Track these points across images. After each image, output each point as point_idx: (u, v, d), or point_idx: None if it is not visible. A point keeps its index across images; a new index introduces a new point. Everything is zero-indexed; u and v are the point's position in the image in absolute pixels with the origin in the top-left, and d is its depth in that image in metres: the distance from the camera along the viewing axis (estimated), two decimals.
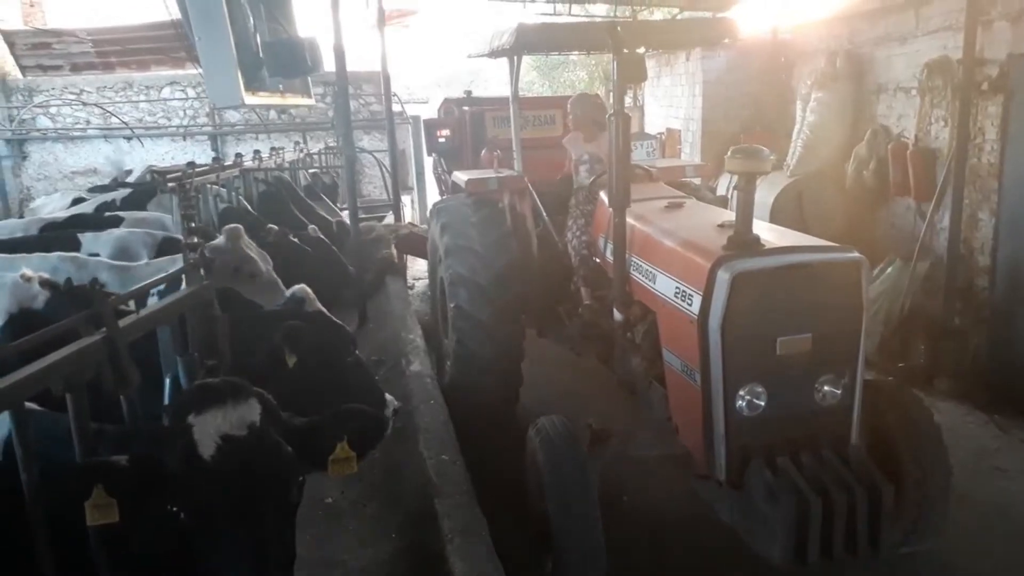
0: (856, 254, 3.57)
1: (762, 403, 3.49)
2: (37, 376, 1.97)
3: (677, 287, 3.83)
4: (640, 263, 4.35)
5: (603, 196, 5.32)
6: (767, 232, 3.78)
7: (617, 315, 4.58)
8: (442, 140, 9.02)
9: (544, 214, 6.13)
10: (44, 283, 3.15)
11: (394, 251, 9.55)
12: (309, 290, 3.53)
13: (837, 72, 8.67)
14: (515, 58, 5.88)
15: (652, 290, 4.15)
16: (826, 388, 3.53)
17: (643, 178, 5.71)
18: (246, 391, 2.02)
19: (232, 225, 4.37)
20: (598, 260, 5.40)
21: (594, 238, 5.46)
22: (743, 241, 3.58)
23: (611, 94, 5.24)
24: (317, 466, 2.15)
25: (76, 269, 4.27)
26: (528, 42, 5.43)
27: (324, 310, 3.51)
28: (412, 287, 9.80)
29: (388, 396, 3.63)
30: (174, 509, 1.87)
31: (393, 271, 9.18)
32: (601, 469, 3.81)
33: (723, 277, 3.41)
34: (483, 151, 7.66)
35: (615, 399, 5.21)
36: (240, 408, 1.97)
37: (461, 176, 6.40)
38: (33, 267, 3.99)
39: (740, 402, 3.48)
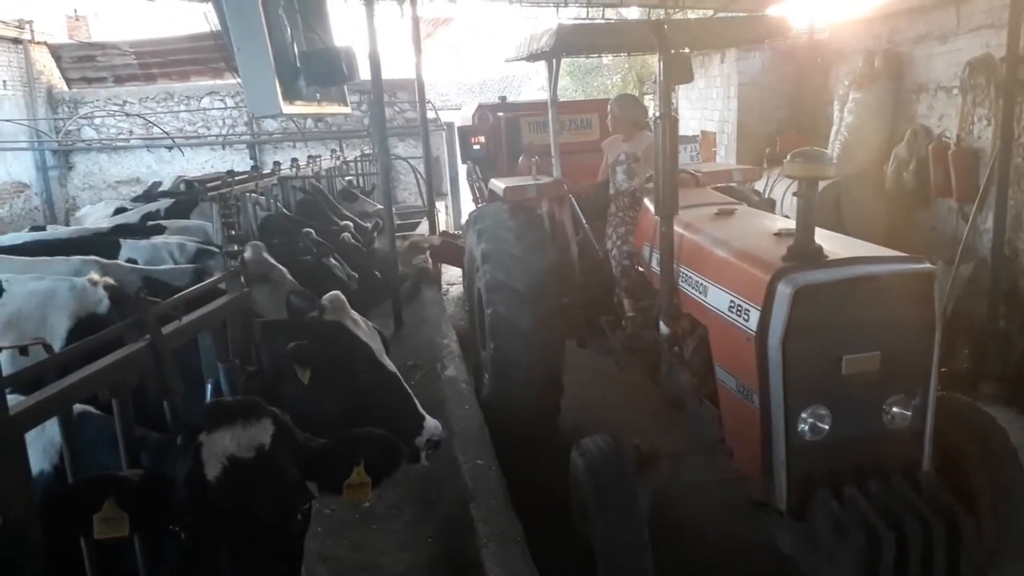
0: (928, 265, 3.35)
1: (826, 426, 3.24)
2: (84, 382, 2.02)
3: (732, 301, 3.58)
4: (689, 274, 4.12)
5: (647, 203, 5.10)
6: (829, 241, 3.52)
7: (664, 329, 4.35)
8: (477, 147, 8.83)
9: (584, 221, 5.90)
10: (109, 288, 3.25)
11: (429, 259, 9.51)
12: (341, 297, 3.31)
13: (876, 72, 8.56)
14: (554, 61, 5.73)
15: (703, 303, 3.91)
16: (895, 410, 3.29)
17: (689, 183, 5.37)
18: (260, 411, 1.98)
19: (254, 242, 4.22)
20: (641, 270, 5.18)
21: (637, 247, 5.24)
22: (805, 252, 3.35)
23: (647, 96, 5.14)
24: (332, 490, 2.10)
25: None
26: (568, 44, 5.24)
27: (348, 321, 3.24)
28: (446, 292, 9.85)
29: (430, 422, 3.21)
30: (175, 528, 1.87)
31: (428, 280, 9.14)
32: (650, 494, 3.63)
33: (784, 291, 3.18)
34: (521, 158, 7.44)
35: (661, 415, 5.07)
36: (251, 429, 1.92)
37: (498, 183, 6.19)
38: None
39: (802, 425, 3.25)
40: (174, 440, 1.96)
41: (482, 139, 8.78)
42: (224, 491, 1.83)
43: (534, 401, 5.31)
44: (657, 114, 3.97)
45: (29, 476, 1.83)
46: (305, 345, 2.98)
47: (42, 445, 2.24)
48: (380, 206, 9.01)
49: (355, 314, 3.30)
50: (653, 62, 20.13)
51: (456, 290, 10.33)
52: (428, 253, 9.48)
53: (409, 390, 3.28)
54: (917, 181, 7.89)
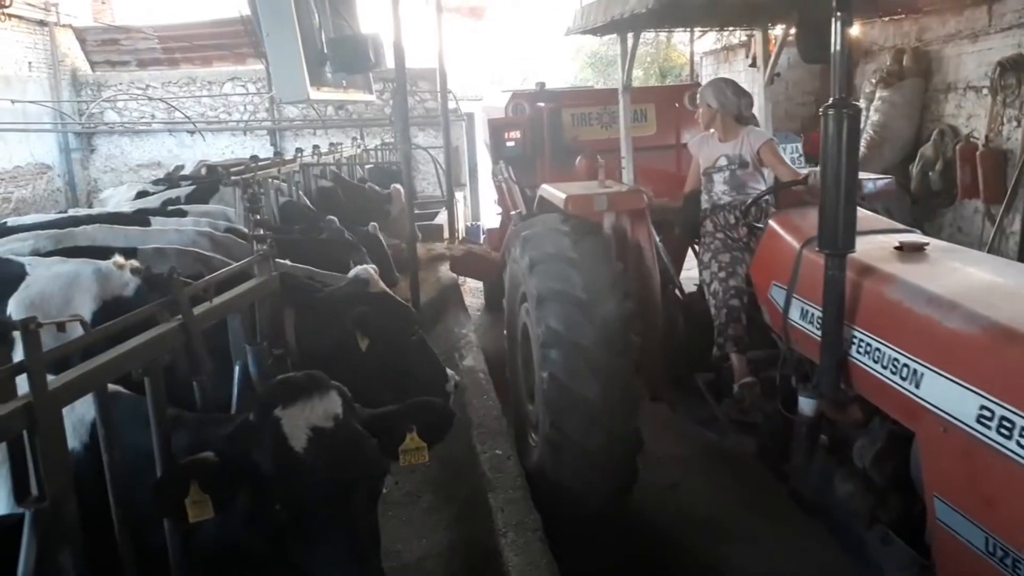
0: None
1: None
2: (118, 361, 2.04)
3: (987, 408, 2.28)
4: (876, 344, 2.88)
5: (774, 225, 3.90)
6: None
7: (805, 407, 3.26)
8: (511, 144, 7.39)
9: (658, 240, 4.71)
10: (135, 270, 3.29)
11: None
12: (372, 270, 3.60)
13: (904, 70, 8.48)
14: (631, 35, 4.64)
15: (908, 395, 2.65)
16: None
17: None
18: (326, 384, 2.06)
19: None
20: (762, 313, 3.97)
21: (760, 283, 3.95)
22: None
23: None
24: (389, 456, 2.18)
25: (68, 237, 4.38)
26: (669, 7, 3.88)
27: (388, 291, 3.59)
28: (463, 283, 9.80)
29: (449, 371, 3.69)
30: (272, 503, 1.91)
31: (455, 301, 8.22)
32: None
33: None
34: (579, 158, 6.16)
35: (775, 507, 3.98)
36: (324, 401, 2.00)
37: (555, 192, 4.83)
38: (26, 246, 4.17)
39: None
40: (213, 419, 1.99)
41: (517, 134, 7.39)
42: (314, 460, 1.90)
43: (598, 491, 4.07)
44: (829, 101, 2.93)
45: (67, 451, 1.85)
46: (370, 312, 3.21)
47: (71, 423, 2.25)
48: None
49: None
50: (677, 56, 19.95)
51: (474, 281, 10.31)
52: (448, 264, 8.38)
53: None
54: (943, 182, 7.83)
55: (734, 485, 4.61)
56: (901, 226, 3.80)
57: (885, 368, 2.80)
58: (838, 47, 2.91)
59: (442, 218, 11.06)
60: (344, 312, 3.27)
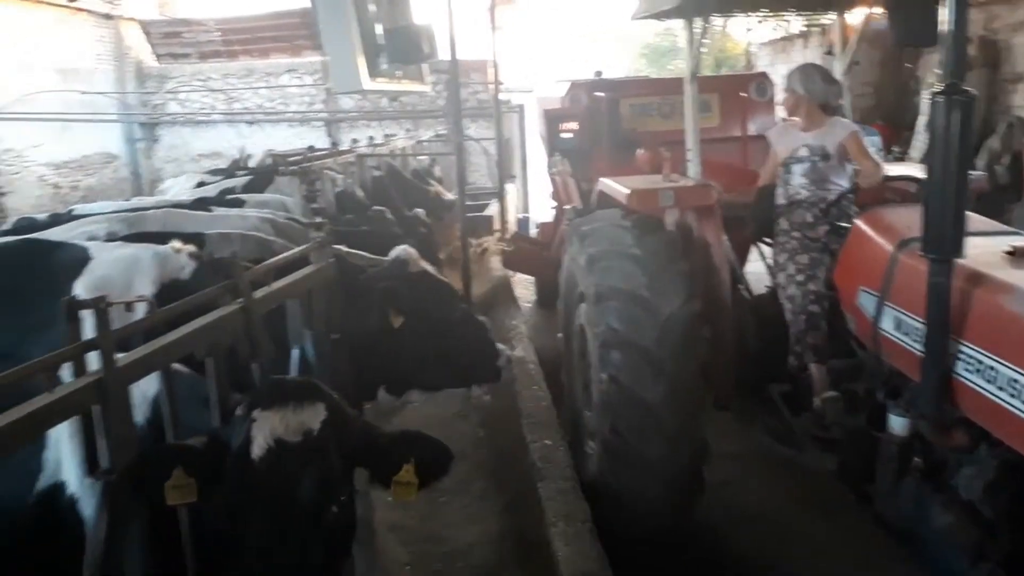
0: None
1: None
2: (183, 341, 2.10)
3: None
4: (989, 361, 2.58)
5: (862, 225, 3.66)
6: None
7: (896, 425, 3.04)
8: (567, 136, 7.07)
9: (726, 239, 4.43)
10: (192, 255, 3.37)
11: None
12: (412, 250, 3.53)
13: (970, 60, 8.20)
14: (697, 21, 4.38)
15: None
16: None
17: (907, 197, 3.87)
18: (315, 395, 1.98)
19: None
20: (845, 321, 3.74)
21: (845, 288, 3.70)
22: None
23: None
24: (381, 481, 2.09)
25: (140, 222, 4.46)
26: None
27: (429, 269, 3.53)
28: (513, 275, 9.81)
29: (500, 345, 3.59)
30: (219, 503, 1.89)
31: (507, 298, 8.18)
32: None
33: None
34: (639, 150, 5.85)
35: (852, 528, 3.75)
36: (303, 413, 1.91)
37: (616, 186, 4.60)
38: (102, 229, 4.27)
39: None
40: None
41: (574, 125, 7.06)
42: (263, 471, 1.84)
43: (661, 503, 3.84)
44: (936, 88, 2.61)
45: (134, 426, 1.92)
46: (397, 286, 3.21)
47: (135, 400, 2.32)
48: (452, 196, 8.79)
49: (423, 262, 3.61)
50: (733, 46, 19.62)
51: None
52: (500, 259, 8.30)
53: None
54: (1011, 175, 7.60)
55: (786, 483, 4.51)
56: (1005, 227, 3.48)
57: (1001, 389, 2.51)
58: (952, 25, 2.54)
59: (493, 210, 11.09)
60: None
